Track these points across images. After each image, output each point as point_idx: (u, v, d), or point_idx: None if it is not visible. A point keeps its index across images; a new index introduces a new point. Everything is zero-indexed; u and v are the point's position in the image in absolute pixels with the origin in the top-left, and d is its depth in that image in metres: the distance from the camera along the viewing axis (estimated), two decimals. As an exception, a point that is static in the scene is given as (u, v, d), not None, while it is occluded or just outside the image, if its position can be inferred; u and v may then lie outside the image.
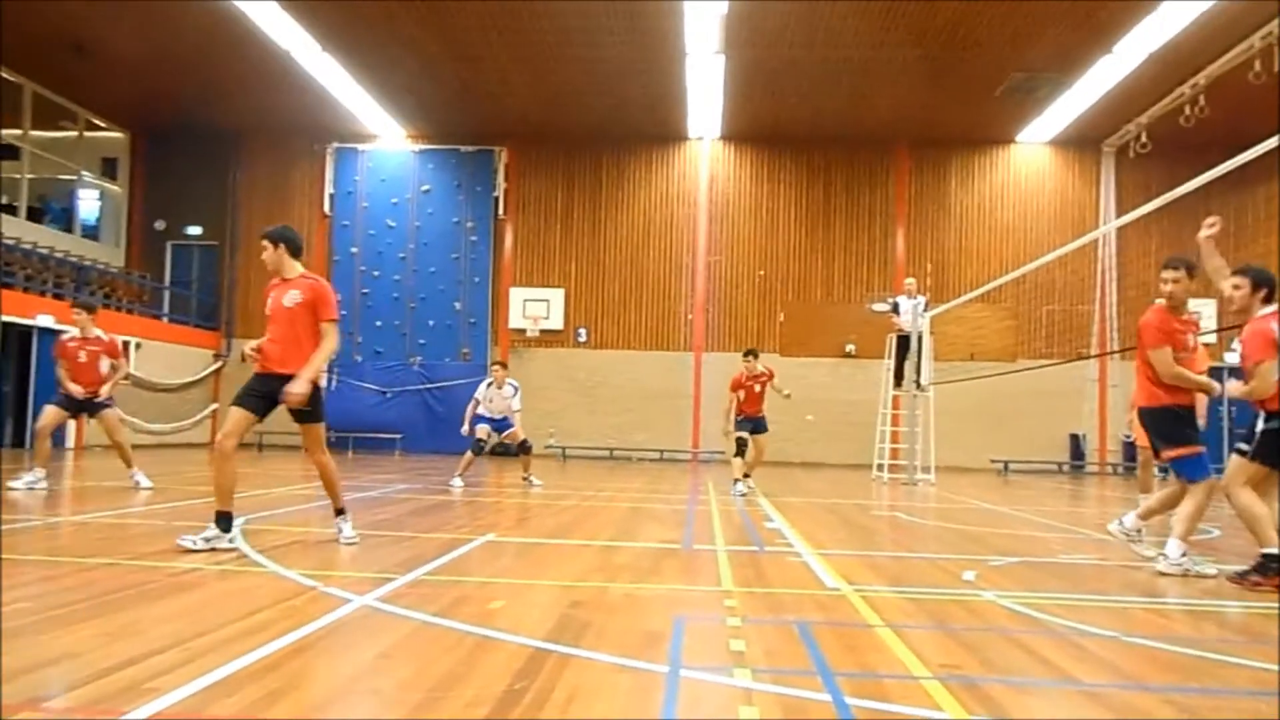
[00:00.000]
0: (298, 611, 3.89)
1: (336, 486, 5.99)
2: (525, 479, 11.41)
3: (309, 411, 5.67)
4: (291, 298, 5.75)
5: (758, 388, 10.90)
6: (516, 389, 11.59)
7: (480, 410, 11.44)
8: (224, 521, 5.47)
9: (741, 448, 10.87)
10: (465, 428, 11.41)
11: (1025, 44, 16.07)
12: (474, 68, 17.91)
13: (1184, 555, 5.60)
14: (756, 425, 10.91)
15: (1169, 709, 2.94)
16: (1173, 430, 5.64)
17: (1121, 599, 4.96)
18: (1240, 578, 5.23)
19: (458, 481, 11.02)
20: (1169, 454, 5.66)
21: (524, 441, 11.56)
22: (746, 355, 11.09)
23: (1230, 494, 5.30)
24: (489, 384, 11.54)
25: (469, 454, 11.40)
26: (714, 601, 4.46)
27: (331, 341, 5.77)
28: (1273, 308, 5.38)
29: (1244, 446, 5.36)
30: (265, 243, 6.00)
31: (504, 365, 12.19)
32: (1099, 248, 20.57)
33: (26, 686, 2.73)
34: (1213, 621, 4.54)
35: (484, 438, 11.35)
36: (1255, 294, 5.46)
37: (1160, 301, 5.94)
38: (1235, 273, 5.63)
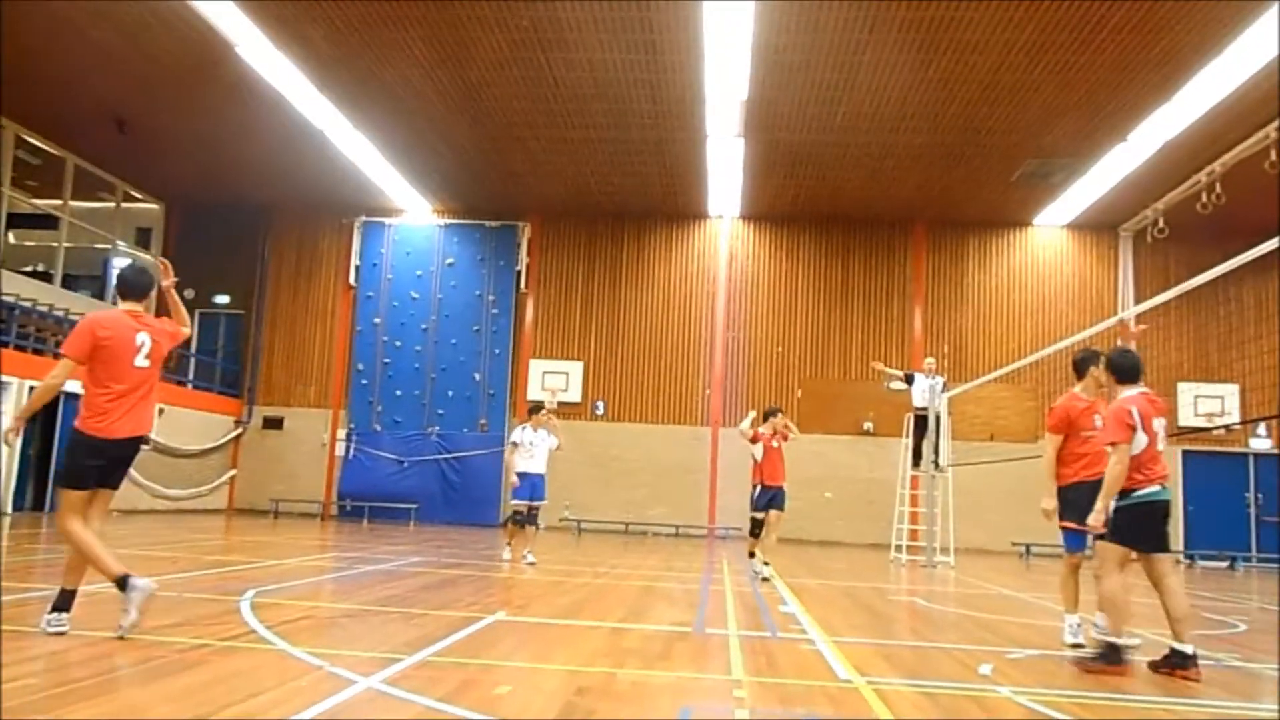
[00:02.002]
0: (303, 693, 3.86)
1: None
2: (529, 551, 11.12)
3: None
4: None
5: (776, 443, 10.31)
6: (549, 434, 11.38)
7: (520, 457, 11.15)
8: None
9: (756, 529, 10.34)
10: (513, 477, 11.20)
11: (1040, 131, 16.35)
12: (500, 146, 18.42)
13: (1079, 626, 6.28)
14: (774, 499, 10.23)
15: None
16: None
17: (1143, 699, 4.82)
18: (1082, 664, 5.50)
19: (508, 553, 11.07)
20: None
21: (536, 510, 11.23)
22: (769, 415, 10.42)
23: (1098, 576, 5.56)
24: (525, 428, 11.27)
25: (510, 525, 11.24)
26: (723, 691, 4.39)
27: (49, 376, 4.96)
28: (1134, 390, 5.61)
29: (1107, 531, 5.56)
30: None
31: (544, 407, 11.88)
32: (1119, 332, 20.50)
33: (26, 768, 2.72)
34: (1238, 725, 4.39)
35: (522, 510, 11.10)
36: (1110, 376, 5.81)
37: (1076, 389, 6.44)
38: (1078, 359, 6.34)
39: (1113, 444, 5.48)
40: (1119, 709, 4.47)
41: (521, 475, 11.06)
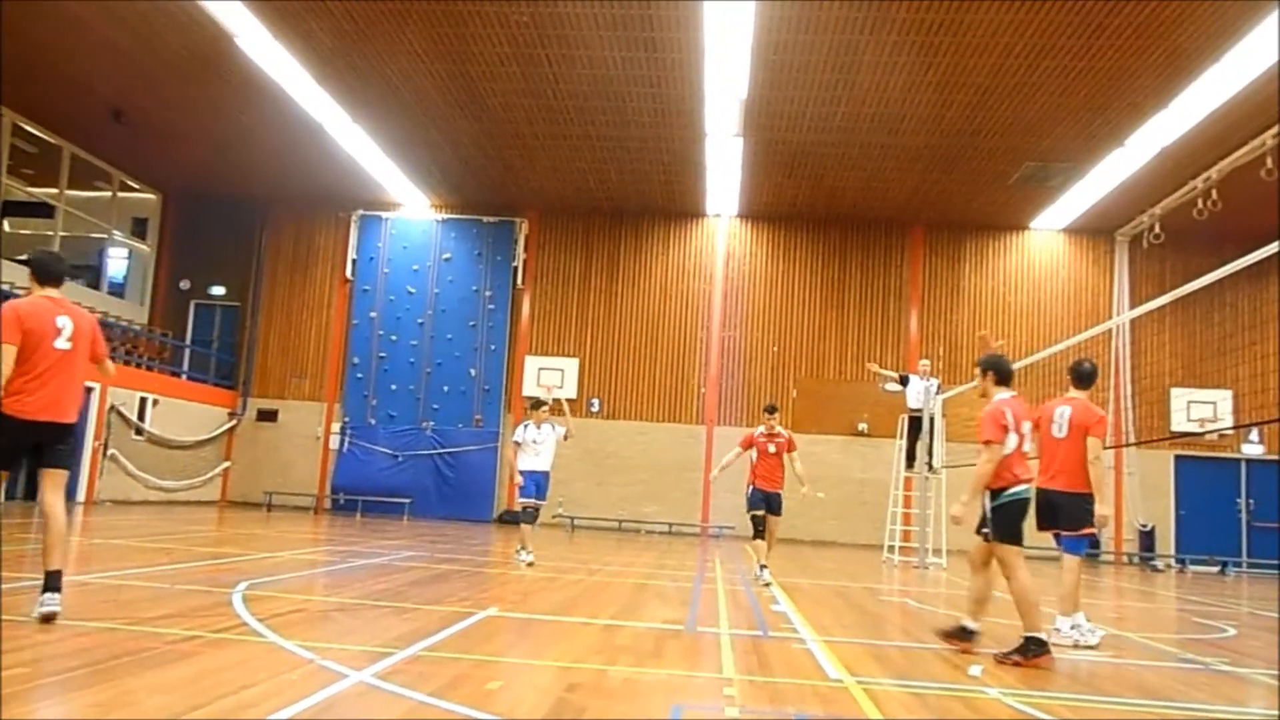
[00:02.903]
0: (293, 686, 3.86)
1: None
2: (519, 550, 10.55)
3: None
4: None
5: (772, 448, 9.79)
6: (554, 425, 10.79)
7: (524, 455, 10.59)
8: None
9: (758, 528, 9.84)
10: (518, 478, 10.60)
11: (1038, 135, 16.38)
12: (499, 142, 18.41)
13: (1073, 628, 6.44)
14: (770, 502, 9.80)
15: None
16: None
17: (1132, 701, 4.84)
18: (1004, 657, 5.64)
19: (524, 555, 10.39)
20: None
21: (537, 509, 10.71)
22: (767, 411, 10.01)
23: (1007, 577, 5.84)
24: (526, 425, 10.72)
25: (524, 526, 10.63)
26: (714, 690, 4.40)
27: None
28: (1009, 393, 6.00)
29: (985, 531, 5.85)
30: None
31: (546, 405, 10.98)
32: (1113, 336, 20.58)
33: (16, 758, 2.72)
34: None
35: (531, 506, 10.56)
36: (985, 379, 6.14)
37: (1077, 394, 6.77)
38: (978, 363, 6.42)
39: (986, 443, 5.80)
40: (1107, 711, 4.49)
41: (525, 473, 10.56)
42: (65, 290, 5.60)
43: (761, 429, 9.97)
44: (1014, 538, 5.82)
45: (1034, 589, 5.73)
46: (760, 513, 9.82)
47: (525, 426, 10.76)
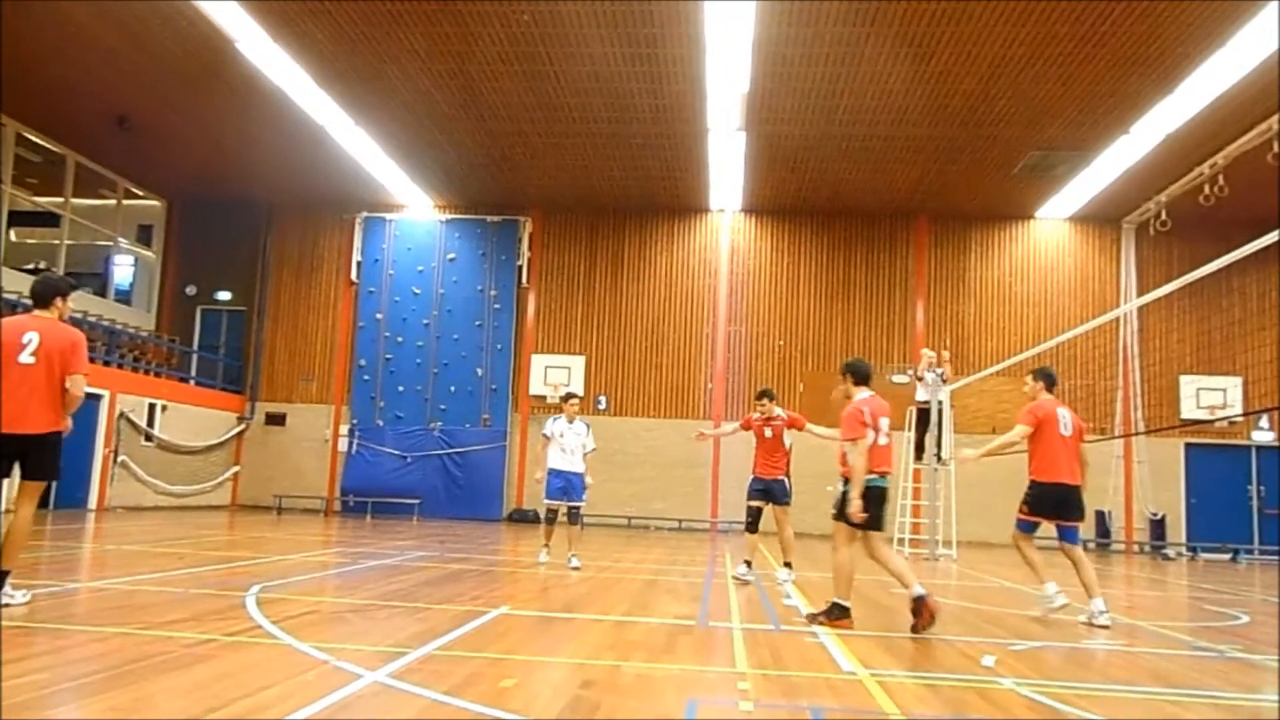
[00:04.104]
0: (308, 687, 3.88)
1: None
2: (572, 555, 9.99)
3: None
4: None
5: (769, 432, 9.26)
6: (589, 427, 10.28)
7: (553, 451, 10.09)
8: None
9: (751, 519, 9.34)
10: (539, 474, 10.18)
11: (1043, 123, 16.32)
12: (502, 142, 18.42)
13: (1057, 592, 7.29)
14: (769, 491, 9.18)
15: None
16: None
17: (1146, 690, 4.83)
18: (814, 617, 6.45)
19: (544, 555, 10.09)
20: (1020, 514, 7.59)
21: (576, 509, 10.19)
22: (759, 397, 9.45)
23: (834, 548, 6.53)
24: (557, 418, 10.22)
25: (545, 526, 10.30)
26: (727, 684, 4.40)
27: None
28: (867, 393, 6.61)
29: (835, 512, 6.55)
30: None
31: (577, 397, 10.57)
32: (1121, 324, 20.51)
33: (37, 762, 2.74)
34: (1246, 715, 4.41)
35: (555, 508, 10.13)
36: (846, 381, 6.74)
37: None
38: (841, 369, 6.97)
39: (852, 440, 6.42)
40: (1121, 699, 4.48)
41: (553, 472, 10.01)
42: (72, 298, 5.78)
43: (757, 414, 9.41)
44: (869, 523, 6.39)
45: (852, 566, 6.50)
46: (758, 504, 9.29)
47: (556, 419, 10.23)
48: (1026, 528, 7.61)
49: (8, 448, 5.43)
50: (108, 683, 3.84)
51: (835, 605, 6.39)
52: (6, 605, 5.37)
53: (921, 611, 6.15)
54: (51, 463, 5.65)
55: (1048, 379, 7.65)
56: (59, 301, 5.75)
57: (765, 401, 9.35)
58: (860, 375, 6.73)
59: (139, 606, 6.00)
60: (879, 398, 6.64)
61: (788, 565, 9.22)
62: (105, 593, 6.33)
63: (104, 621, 5.25)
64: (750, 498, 9.38)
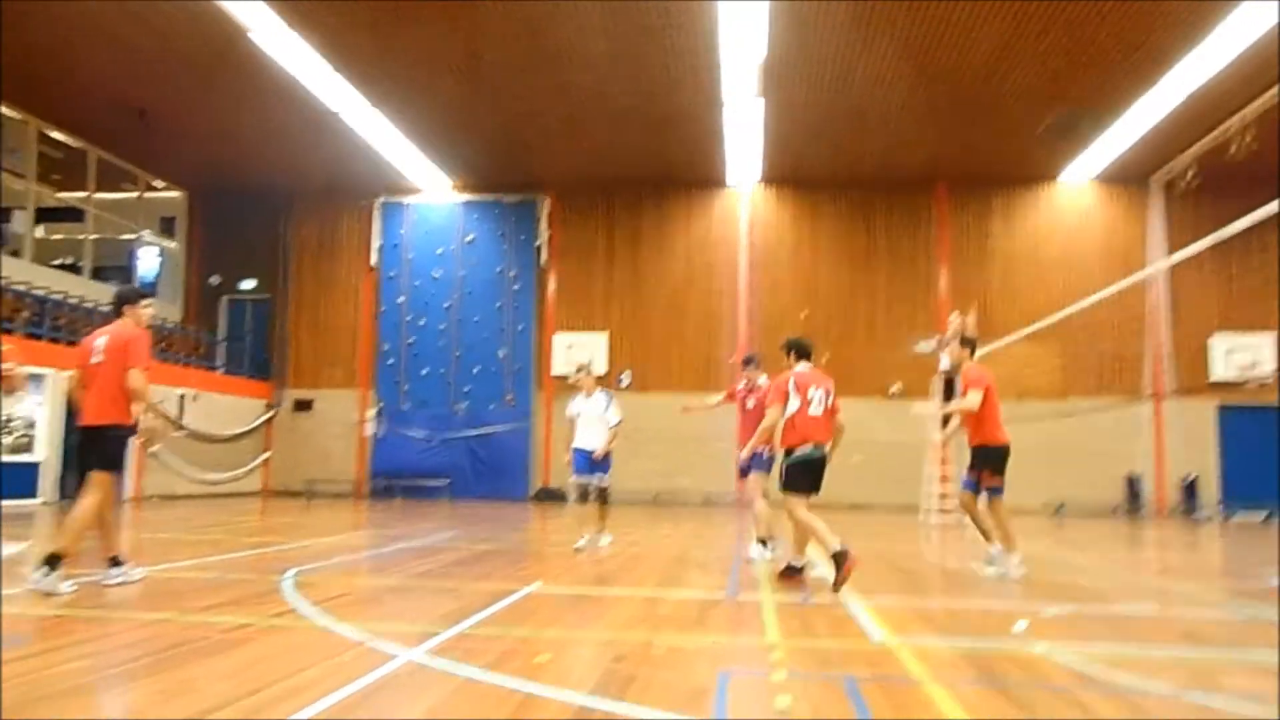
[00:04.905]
0: (346, 668, 3.94)
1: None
2: (601, 534, 9.43)
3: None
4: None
5: (751, 403, 8.57)
6: (610, 398, 9.56)
7: (577, 429, 9.45)
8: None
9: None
10: (567, 456, 9.53)
11: (1066, 82, 16.02)
12: (516, 121, 18.36)
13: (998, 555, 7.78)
14: (755, 463, 8.20)
15: (1231, 772, 2.84)
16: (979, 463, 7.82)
17: (1181, 652, 4.80)
18: (784, 574, 6.92)
19: (582, 541, 9.23)
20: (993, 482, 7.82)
21: (604, 489, 9.48)
22: (743, 364, 8.97)
23: (794, 517, 6.85)
24: (575, 397, 9.63)
25: (577, 506, 9.69)
26: (759, 655, 4.43)
27: None
28: (805, 367, 7.06)
29: (781, 483, 6.93)
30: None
31: (589, 369, 9.96)
32: (1149, 285, 20.18)
33: (87, 745, 2.81)
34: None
35: (584, 485, 9.42)
36: (789, 357, 7.16)
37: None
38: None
39: (772, 404, 6.92)
40: (1156, 663, 4.46)
41: (576, 450, 9.39)
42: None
43: (742, 383, 8.87)
44: (799, 489, 6.81)
45: (811, 521, 6.72)
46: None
47: (574, 398, 9.65)
48: (973, 487, 7.95)
49: (82, 440, 6.13)
50: (151, 667, 3.92)
51: (835, 555, 6.58)
52: (49, 594, 5.50)
53: (843, 566, 6.45)
54: (107, 453, 6.08)
55: (972, 345, 8.20)
56: (128, 308, 6.32)
57: (750, 369, 8.93)
58: (801, 351, 7.19)
59: (177, 593, 6.12)
60: (818, 372, 7.14)
61: (762, 542, 8.46)
62: (144, 581, 6.46)
63: (144, 608, 5.36)
64: (741, 475, 8.69)
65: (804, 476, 6.81)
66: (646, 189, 21.85)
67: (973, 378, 7.84)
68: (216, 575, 7.01)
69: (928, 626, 5.30)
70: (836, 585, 6.39)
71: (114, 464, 6.10)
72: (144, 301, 6.43)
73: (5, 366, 6.34)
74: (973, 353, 8.13)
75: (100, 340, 6.16)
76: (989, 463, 7.77)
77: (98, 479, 6.00)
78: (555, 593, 6.53)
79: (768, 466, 8.24)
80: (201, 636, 4.55)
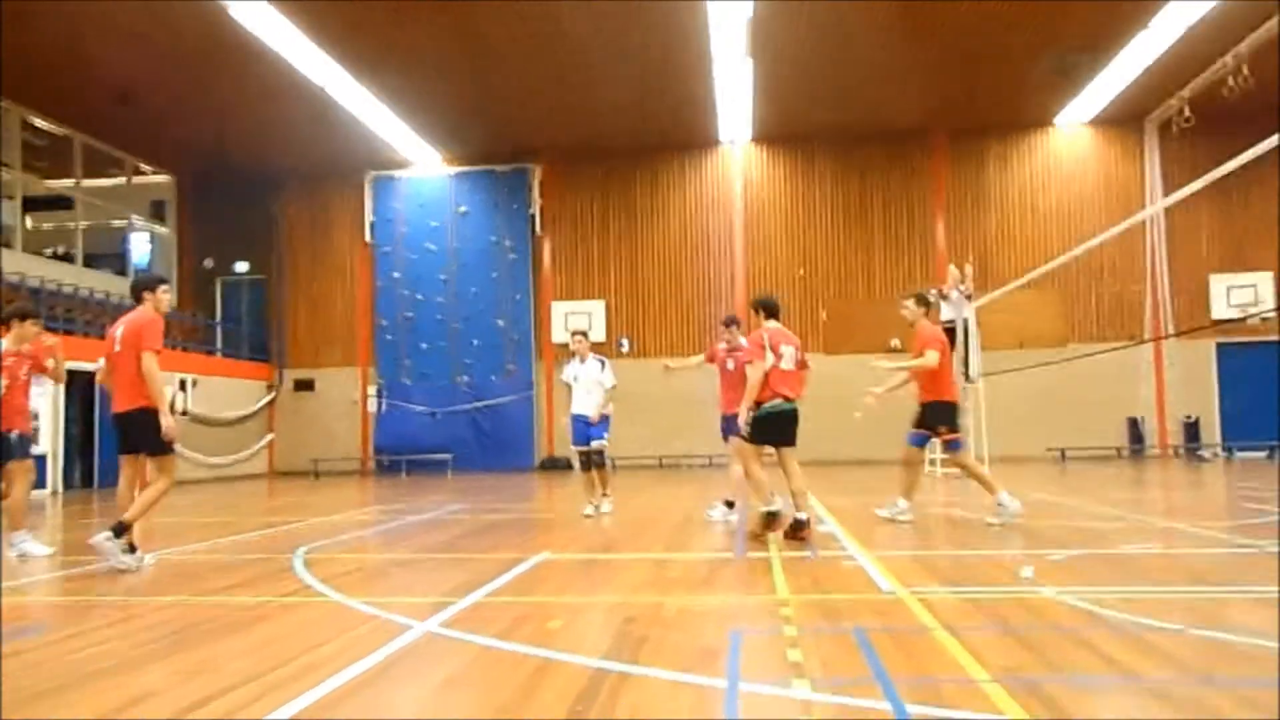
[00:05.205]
0: (363, 641, 3.99)
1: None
2: (603, 499, 9.37)
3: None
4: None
5: (731, 364, 8.40)
6: (604, 362, 9.38)
7: (574, 394, 9.33)
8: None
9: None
10: (565, 420, 9.48)
11: (1059, 23, 15.80)
12: (503, 88, 18.16)
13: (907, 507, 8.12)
14: (730, 426, 7.98)
15: (1238, 704, 2.89)
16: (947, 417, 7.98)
17: (1186, 589, 4.87)
18: (788, 533, 6.87)
19: (589, 509, 9.22)
20: (949, 435, 8.11)
21: (600, 453, 9.31)
22: (724, 324, 8.80)
23: (745, 467, 7.07)
24: (570, 362, 9.49)
25: (583, 474, 9.53)
26: (769, 611, 4.48)
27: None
28: (775, 325, 7.28)
29: (745, 433, 7.08)
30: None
31: (585, 334, 9.73)
32: (1147, 227, 20.11)
33: (113, 727, 2.86)
34: (1283, 609, 4.43)
35: (586, 452, 9.29)
36: (759, 315, 7.37)
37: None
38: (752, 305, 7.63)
39: (750, 361, 7.12)
40: (1161, 601, 4.52)
41: (574, 416, 9.32)
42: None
43: (723, 344, 8.69)
44: (765, 440, 7.07)
45: (760, 475, 6.98)
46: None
47: (569, 363, 9.53)
48: (921, 441, 8.31)
49: (118, 427, 6.41)
50: (172, 647, 3.97)
51: (768, 514, 6.89)
52: (123, 568, 6.05)
53: (771, 526, 6.83)
54: (142, 437, 6.29)
55: (926, 304, 8.37)
56: (147, 294, 6.45)
57: (731, 329, 8.69)
58: (769, 309, 7.41)
59: (192, 575, 6.18)
60: (785, 330, 7.37)
61: (728, 504, 8.62)
62: (159, 564, 6.52)
63: (161, 591, 5.41)
64: (725, 438, 8.49)
65: (769, 429, 7.01)
66: (638, 152, 21.67)
67: (929, 336, 7.97)
68: (229, 556, 7.07)
69: (935, 577, 5.36)
70: (754, 535, 6.94)
71: (152, 447, 6.29)
72: (162, 287, 6.56)
73: (48, 362, 7.05)
74: (927, 311, 8.39)
75: (119, 329, 6.36)
76: (942, 418, 7.96)
77: (162, 464, 6.34)
78: (564, 559, 6.59)
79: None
80: (219, 616, 4.61)
